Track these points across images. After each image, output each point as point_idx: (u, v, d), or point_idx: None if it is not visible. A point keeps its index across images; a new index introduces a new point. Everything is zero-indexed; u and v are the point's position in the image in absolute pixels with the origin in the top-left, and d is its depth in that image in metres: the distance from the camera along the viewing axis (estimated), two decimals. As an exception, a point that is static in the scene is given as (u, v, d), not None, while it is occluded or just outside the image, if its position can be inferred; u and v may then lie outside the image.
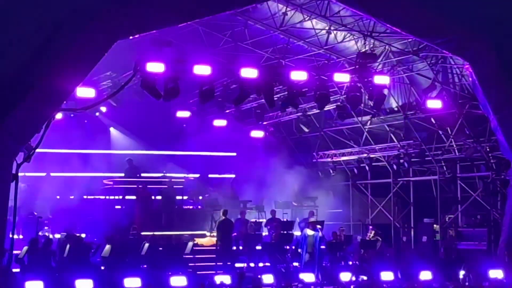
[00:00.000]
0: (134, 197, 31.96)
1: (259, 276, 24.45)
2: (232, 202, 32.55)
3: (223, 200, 32.51)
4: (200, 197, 33.63)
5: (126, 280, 23.75)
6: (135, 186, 32.22)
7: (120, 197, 32.52)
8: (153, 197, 31.78)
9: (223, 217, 27.47)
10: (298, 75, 26.51)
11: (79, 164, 33.79)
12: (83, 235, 27.24)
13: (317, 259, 27.60)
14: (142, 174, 33.28)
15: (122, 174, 33.45)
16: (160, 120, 35.33)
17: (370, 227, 31.01)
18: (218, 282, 24.26)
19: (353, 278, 26.52)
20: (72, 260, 24.95)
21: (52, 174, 32.44)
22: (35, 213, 28.29)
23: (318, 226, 28.19)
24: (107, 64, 24.39)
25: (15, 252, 23.61)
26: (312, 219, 29.64)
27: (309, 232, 28.04)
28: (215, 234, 28.92)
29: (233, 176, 36.16)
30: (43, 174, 31.73)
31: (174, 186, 32.48)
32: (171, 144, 36.38)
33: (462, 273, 26.26)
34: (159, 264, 25.58)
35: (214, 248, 27.51)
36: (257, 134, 38.11)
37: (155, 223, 29.99)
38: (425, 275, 26.48)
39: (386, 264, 28.65)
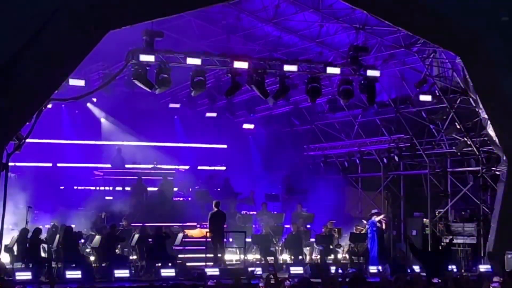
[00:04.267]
0: (125, 188, 32.02)
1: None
2: (223, 194, 32.49)
3: (214, 192, 32.49)
4: (190, 189, 33.64)
5: (116, 271, 23.77)
6: (126, 177, 32.26)
7: (111, 188, 32.51)
8: (148, 189, 31.77)
9: (215, 209, 27.42)
10: (290, 68, 26.51)
11: (69, 154, 33.78)
12: (73, 226, 27.19)
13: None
14: (130, 165, 33.26)
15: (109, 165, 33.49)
16: (151, 111, 35.32)
17: (364, 221, 31.04)
18: (207, 274, 24.29)
19: (341, 271, 26.58)
20: (62, 250, 24.92)
21: (42, 164, 32.41)
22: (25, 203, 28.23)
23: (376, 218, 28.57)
24: (99, 55, 24.32)
25: (4, 241, 23.59)
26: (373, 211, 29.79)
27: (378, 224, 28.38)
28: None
29: (223, 168, 36.14)
30: (34, 164, 31.66)
31: (168, 178, 32.50)
32: (162, 135, 36.36)
33: (452, 267, 26.36)
34: (149, 255, 25.58)
35: (204, 240, 27.47)
36: (248, 126, 38.10)
37: (145, 214, 29.97)
38: (414, 268, 26.55)
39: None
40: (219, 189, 33.42)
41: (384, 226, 29.51)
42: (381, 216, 29.11)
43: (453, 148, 30.91)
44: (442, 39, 25.60)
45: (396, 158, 33.03)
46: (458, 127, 30.12)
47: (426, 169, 32.79)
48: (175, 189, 33.30)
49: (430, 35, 25.74)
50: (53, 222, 27.93)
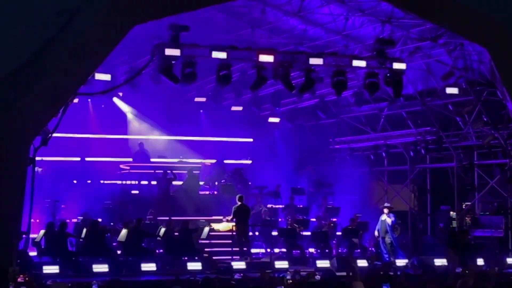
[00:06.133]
0: (151, 182, 32.17)
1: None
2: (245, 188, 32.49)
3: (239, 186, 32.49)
4: (216, 183, 33.68)
5: (142, 264, 23.87)
6: (152, 171, 32.34)
7: (137, 182, 32.62)
8: (174, 183, 31.83)
9: (239, 203, 27.47)
10: (316, 61, 26.42)
11: (96, 149, 33.90)
12: (100, 220, 27.33)
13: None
14: (156, 160, 33.35)
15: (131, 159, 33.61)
16: (176, 105, 35.38)
17: (391, 214, 31.06)
18: (234, 267, 24.34)
19: (368, 264, 26.58)
20: (89, 244, 25.07)
21: (69, 158, 32.56)
22: (52, 197, 28.41)
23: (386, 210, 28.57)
24: (124, 49, 24.38)
25: (32, 235, 23.78)
26: (385, 205, 29.78)
27: (382, 217, 28.32)
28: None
29: (249, 162, 36.12)
30: (60, 158, 31.81)
31: (194, 172, 32.53)
32: (188, 129, 36.41)
33: (480, 260, 26.29)
34: (175, 249, 25.66)
35: (230, 233, 27.54)
36: (274, 120, 38.07)
37: (171, 208, 30.04)
38: (441, 261, 26.48)
39: (402, 251, 28.69)
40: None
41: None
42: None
43: (480, 140, 30.75)
44: (469, 31, 25.40)
45: (422, 151, 32.91)
46: (485, 119, 29.97)
47: (453, 162, 32.66)
48: (201, 183, 33.34)
49: (456, 27, 25.56)
50: (80, 216, 28.12)
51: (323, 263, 26.12)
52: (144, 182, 32.49)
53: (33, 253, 24.38)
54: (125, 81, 26.39)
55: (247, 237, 27.54)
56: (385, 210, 28.94)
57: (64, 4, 20.32)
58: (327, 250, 28.48)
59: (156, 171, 32.03)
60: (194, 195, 31.58)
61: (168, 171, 31.41)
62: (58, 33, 20.35)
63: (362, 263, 26.51)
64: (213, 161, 35.32)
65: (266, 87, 31.37)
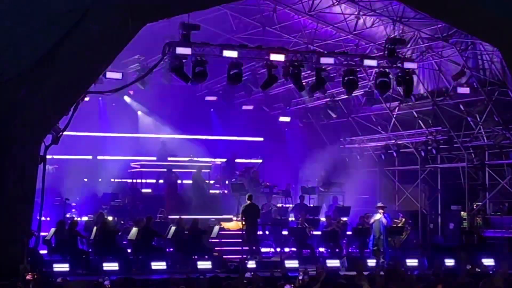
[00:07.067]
0: (161, 181, 32.24)
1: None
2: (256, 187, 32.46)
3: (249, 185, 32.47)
4: (227, 182, 33.69)
5: (152, 263, 23.89)
6: (163, 170, 32.37)
7: (153, 180, 32.64)
8: (179, 181, 31.83)
9: (249, 202, 27.48)
10: (326, 60, 26.39)
11: (106, 147, 33.92)
12: (110, 218, 27.35)
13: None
14: (169, 158, 33.36)
15: (152, 158, 33.50)
16: (187, 104, 35.38)
17: (401, 214, 30.95)
18: (244, 266, 24.32)
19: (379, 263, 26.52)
20: (99, 242, 25.08)
21: (79, 157, 32.60)
22: (63, 196, 28.44)
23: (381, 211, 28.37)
24: (135, 47, 24.41)
25: (42, 234, 23.81)
26: (379, 204, 29.60)
27: (377, 216, 28.18)
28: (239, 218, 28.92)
29: (260, 161, 36.10)
30: (71, 156, 31.85)
31: (203, 171, 32.52)
32: (199, 128, 36.41)
33: (489, 260, 26.19)
34: (185, 247, 25.66)
35: (240, 232, 27.54)
36: (285, 119, 38.04)
37: (182, 206, 30.05)
38: (451, 262, 26.41)
39: (412, 251, 28.62)
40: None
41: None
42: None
43: (491, 140, 30.65)
44: (480, 30, 25.33)
45: (433, 150, 32.81)
46: (496, 119, 29.87)
47: (464, 162, 32.56)
48: (212, 181, 33.34)
49: (468, 26, 25.49)
50: (90, 214, 28.14)
51: (333, 263, 26.11)
52: (159, 181, 32.56)
53: (43, 251, 24.42)
54: (136, 79, 26.42)
55: (256, 236, 27.54)
56: (380, 210, 28.77)
57: (75, 3, 20.34)
58: (337, 250, 28.42)
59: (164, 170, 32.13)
60: (202, 194, 31.58)
61: (173, 170, 31.52)
62: (69, 31, 20.38)
63: (372, 262, 26.50)
64: (224, 160, 35.33)
65: (277, 86, 31.40)
